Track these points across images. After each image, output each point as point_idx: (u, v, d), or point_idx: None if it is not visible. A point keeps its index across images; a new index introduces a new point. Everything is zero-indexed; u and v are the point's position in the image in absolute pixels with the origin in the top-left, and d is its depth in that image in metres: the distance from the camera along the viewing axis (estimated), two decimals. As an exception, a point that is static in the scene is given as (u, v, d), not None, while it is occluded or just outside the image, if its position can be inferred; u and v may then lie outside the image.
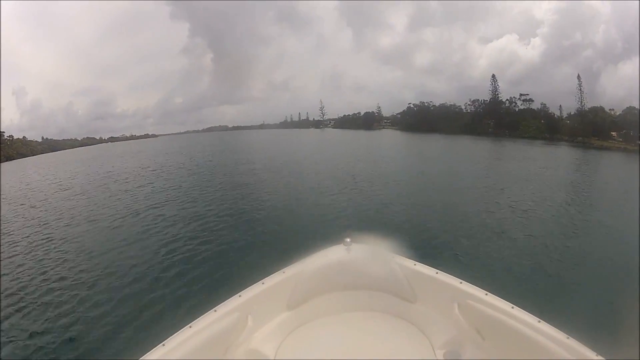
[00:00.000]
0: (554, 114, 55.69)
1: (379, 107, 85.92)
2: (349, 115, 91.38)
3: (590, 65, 54.87)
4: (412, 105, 73.61)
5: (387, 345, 2.08)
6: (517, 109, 59.41)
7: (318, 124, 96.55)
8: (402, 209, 10.22)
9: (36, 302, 6.18)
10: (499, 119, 58.79)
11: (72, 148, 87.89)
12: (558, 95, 59.36)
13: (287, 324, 2.20)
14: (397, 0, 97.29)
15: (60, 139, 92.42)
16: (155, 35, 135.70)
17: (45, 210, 14.16)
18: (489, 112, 61.63)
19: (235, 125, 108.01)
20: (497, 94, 63.93)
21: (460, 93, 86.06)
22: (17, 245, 9.67)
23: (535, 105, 57.97)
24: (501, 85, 62.17)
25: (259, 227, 9.11)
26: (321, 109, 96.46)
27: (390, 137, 51.03)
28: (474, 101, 64.32)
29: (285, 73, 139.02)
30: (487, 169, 19.34)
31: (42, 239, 9.90)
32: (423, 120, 67.14)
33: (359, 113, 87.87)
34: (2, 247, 9.51)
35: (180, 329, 1.77)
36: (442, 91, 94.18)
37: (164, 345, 1.67)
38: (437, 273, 2.17)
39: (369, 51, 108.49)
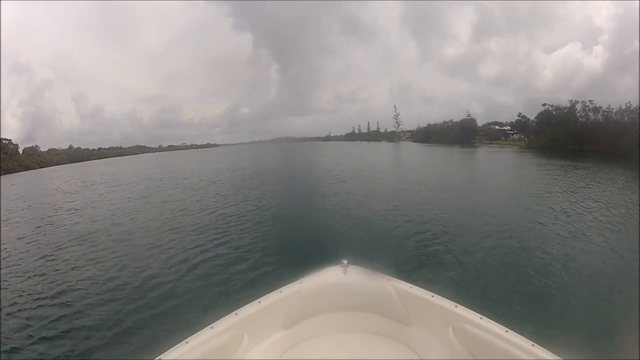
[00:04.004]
0: None
1: (469, 115, 61.32)
2: (434, 124, 67.37)
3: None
4: (549, 108, 46.64)
5: None
6: None
7: (392, 137, 74.33)
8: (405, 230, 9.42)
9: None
10: None
11: (106, 157, 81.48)
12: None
13: (282, 343, 2.20)
14: (460, 3, 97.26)
15: (92, 147, 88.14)
16: (220, 45, 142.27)
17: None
18: None
19: (302, 136, 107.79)
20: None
21: (527, 106, 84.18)
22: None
23: None
24: (567, 96, 60.74)
25: (259, 245, 8.59)
26: (395, 116, 74.16)
27: (530, 165, 26.48)
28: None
29: (353, 84, 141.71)
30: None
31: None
32: (574, 133, 40.29)
33: (451, 121, 63.11)
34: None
35: (176, 344, 1.77)
36: (509, 104, 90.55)
37: None
38: (432, 296, 2.16)
39: (435, 62, 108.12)
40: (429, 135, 65.10)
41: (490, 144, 56.97)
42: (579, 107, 43.52)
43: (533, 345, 1.65)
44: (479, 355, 1.85)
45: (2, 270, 8.07)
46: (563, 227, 9.30)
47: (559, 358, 1.58)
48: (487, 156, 37.51)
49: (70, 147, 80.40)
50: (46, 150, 72.42)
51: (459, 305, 2.02)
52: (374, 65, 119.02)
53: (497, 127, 61.44)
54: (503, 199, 13.14)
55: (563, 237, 8.48)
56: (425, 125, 70.70)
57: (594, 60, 64.66)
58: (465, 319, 1.93)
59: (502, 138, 59.40)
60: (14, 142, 64.00)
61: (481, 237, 8.51)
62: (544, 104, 47.93)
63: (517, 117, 56.17)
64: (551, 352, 1.61)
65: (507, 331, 1.76)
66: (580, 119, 42.39)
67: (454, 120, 62.73)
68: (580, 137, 39.72)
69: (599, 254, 7.42)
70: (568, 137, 40.44)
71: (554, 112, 45.65)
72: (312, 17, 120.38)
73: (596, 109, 41.84)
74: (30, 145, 68.26)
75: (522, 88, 77.24)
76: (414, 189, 15.36)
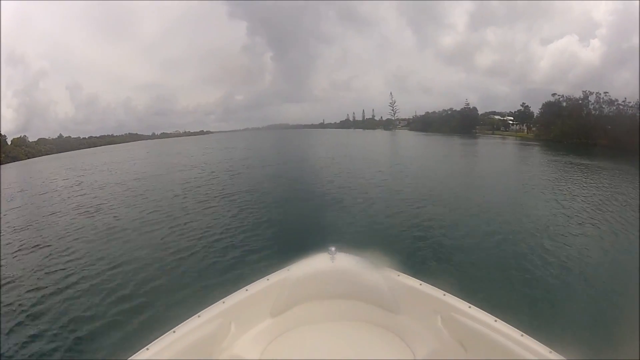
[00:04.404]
0: None
1: (468, 103, 58.13)
2: (433, 112, 63.72)
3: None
4: (560, 99, 43.11)
5: (369, 355, 2.06)
6: None
7: (387, 125, 70.68)
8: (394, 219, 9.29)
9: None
10: None
11: (96, 146, 77.53)
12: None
13: (270, 331, 2.18)
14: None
15: (84, 136, 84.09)
16: (216, 33, 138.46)
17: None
18: None
19: (297, 123, 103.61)
20: None
21: (525, 96, 76.80)
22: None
23: None
24: (564, 88, 59.90)
25: (245, 234, 8.47)
26: (391, 104, 69.95)
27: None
28: None
29: (349, 73, 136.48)
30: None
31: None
32: (586, 125, 37.02)
33: (451, 109, 59.58)
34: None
35: (164, 333, 1.75)
36: (505, 94, 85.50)
37: (147, 349, 1.66)
38: (420, 284, 2.13)
39: (431, 51, 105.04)
40: (427, 123, 61.48)
41: (493, 134, 53.93)
42: (592, 98, 40.23)
43: (522, 335, 1.62)
44: (468, 345, 1.81)
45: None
46: (556, 219, 9.11)
47: (549, 349, 1.55)
48: (493, 149, 34.53)
49: (60, 136, 76.74)
50: (36, 140, 70.05)
51: (447, 293, 1.98)
52: (370, 53, 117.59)
53: (499, 117, 58.68)
54: (498, 191, 12.86)
55: (556, 230, 8.26)
56: (422, 113, 67.23)
57: (591, 53, 62.22)
58: (454, 307, 1.89)
59: (502, 128, 56.90)
60: (2, 133, 61.72)
61: (471, 227, 8.38)
62: (554, 94, 44.52)
63: (520, 107, 53.14)
64: (541, 342, 1.58)
65: (496, 321, 1.73)
66: (594, 112, 39.24)
67: (454, 109, 59.21)
68: (592, 130, 36.58)
69: (593, 247, 7.26)
70: (580, 129, 37.27)
71: (564, 103, 42.29)
72: (309, 6, 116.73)
73: (611, 102, 38.63)
74: (19, 136, 65.64)
75: (519, 78, 76.61)
76: (407, 180, 15.00)
